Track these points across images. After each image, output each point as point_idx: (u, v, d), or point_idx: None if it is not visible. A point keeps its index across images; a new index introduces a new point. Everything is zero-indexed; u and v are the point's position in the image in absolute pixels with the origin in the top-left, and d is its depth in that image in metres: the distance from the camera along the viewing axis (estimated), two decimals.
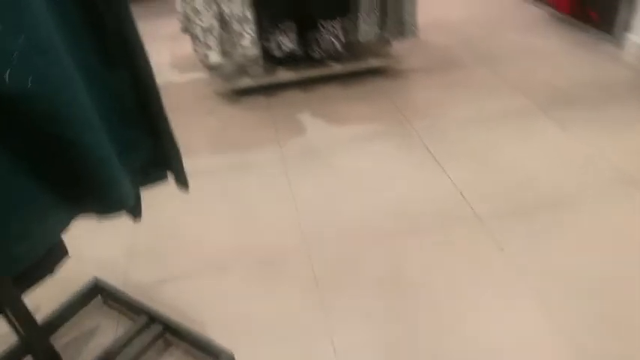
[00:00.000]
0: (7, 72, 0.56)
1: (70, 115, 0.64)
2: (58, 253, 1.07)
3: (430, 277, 1.53)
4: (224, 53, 2.32)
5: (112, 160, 0.73)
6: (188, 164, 2.06)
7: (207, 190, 1.98)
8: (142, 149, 0.87)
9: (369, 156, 2.12)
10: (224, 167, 2.13)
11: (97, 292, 1.52)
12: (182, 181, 1.01)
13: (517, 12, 3.48)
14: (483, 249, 1.61)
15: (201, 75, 2.75)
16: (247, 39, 2.28)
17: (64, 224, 0.75)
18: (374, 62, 2.72)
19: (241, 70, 2.51)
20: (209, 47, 2.29)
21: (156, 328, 1.39)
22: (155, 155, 0.91)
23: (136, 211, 0.94)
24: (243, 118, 2.48)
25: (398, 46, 2.78)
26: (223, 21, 2.23)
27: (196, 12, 2.20)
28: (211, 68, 2.51)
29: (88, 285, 1.51)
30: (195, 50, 2.46)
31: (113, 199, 0.78)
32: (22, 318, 1.01)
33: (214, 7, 2.19)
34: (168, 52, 3.13)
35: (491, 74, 2.69)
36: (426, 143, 2.16)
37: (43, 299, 1.44)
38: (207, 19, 2.20)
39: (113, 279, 1.56)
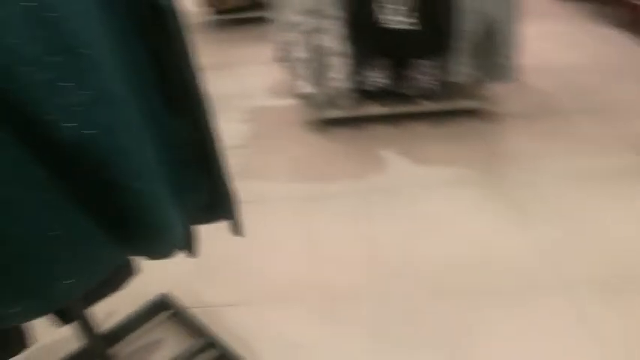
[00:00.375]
0: (68, 122, 0.57)
1: (128, 163, 0.66)
2: (126, 273, 1.11)
3: (498, 341, 1.41)
4: (316, 84, 2.34)
5: (165, 207, 0.73)
6: (266, 189, 2.14)
7: (282, 217, 1.99)
8: (198, 191, 0.88)
9: (452, 202, 2.02)
10: (302, 196, 2.12)
11: (163, 308, 1.56)
12: (236, 227, 1.01)
13: (634, 58, 3.19)
14: (562, 318, 1.46)
15: (292, 102, 2.80)
16: (340, 72, 2.29)
17: (113, 264, 0.77)
18: (468, 103, 2.61)
19: (331, 101, 2.52)
20: (302, 77, 2.32)
21: (213, 353, 1.41)
22: (211, 196, 0.91)
23: (190, 249, 0.95)
24: (328, 148, 2.48)
25: (496, 88, 2.65)
26: (318, 53, 2.26)
27: (291, 43, 2.24)
28: (302, 97, 2.54)
29: (154, 300, 1.56)
30: (288, 78, 2.51)
31: (163, 242, 0.78)
32: (83, 329, 1.06)
33: (309, 40, 2.23)
34: (263, 76, 3.23)
35: (598, 126, 2.47)
36: (516, 196, 2.01)
37: (116, 308, 1.50)
38: (301, 51, 2.24)
39: (180, 297, 1.60)
